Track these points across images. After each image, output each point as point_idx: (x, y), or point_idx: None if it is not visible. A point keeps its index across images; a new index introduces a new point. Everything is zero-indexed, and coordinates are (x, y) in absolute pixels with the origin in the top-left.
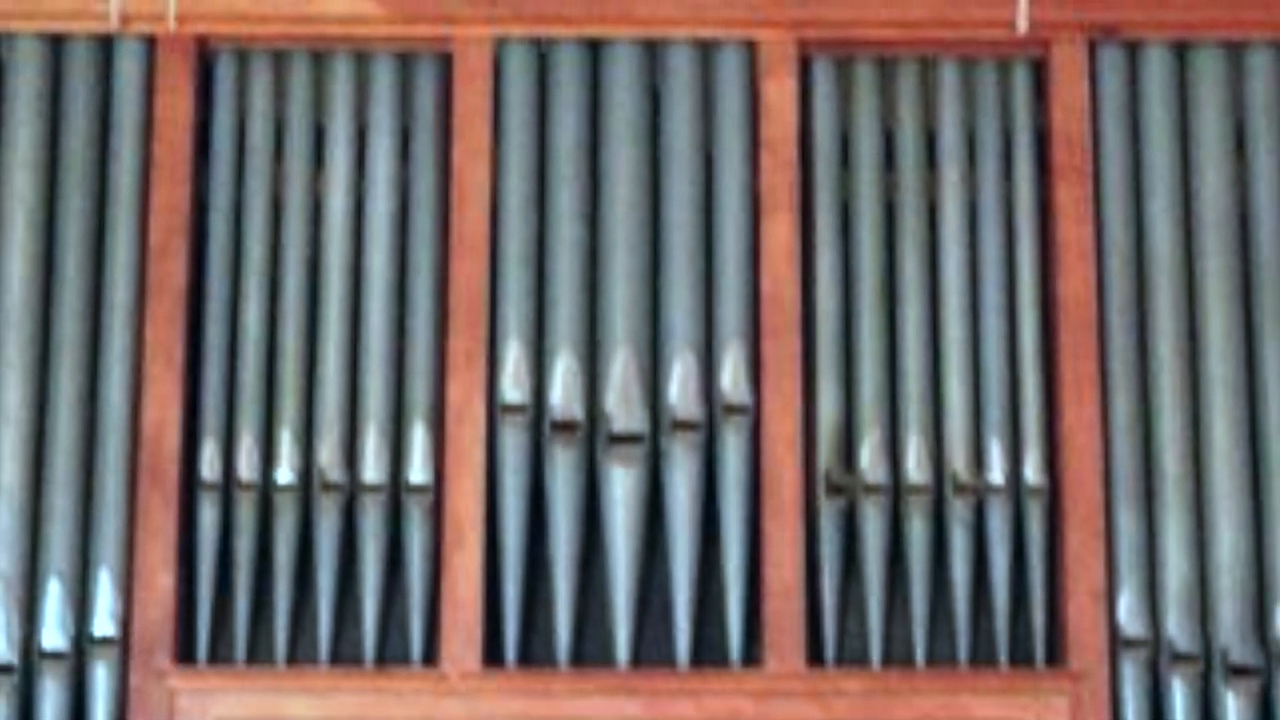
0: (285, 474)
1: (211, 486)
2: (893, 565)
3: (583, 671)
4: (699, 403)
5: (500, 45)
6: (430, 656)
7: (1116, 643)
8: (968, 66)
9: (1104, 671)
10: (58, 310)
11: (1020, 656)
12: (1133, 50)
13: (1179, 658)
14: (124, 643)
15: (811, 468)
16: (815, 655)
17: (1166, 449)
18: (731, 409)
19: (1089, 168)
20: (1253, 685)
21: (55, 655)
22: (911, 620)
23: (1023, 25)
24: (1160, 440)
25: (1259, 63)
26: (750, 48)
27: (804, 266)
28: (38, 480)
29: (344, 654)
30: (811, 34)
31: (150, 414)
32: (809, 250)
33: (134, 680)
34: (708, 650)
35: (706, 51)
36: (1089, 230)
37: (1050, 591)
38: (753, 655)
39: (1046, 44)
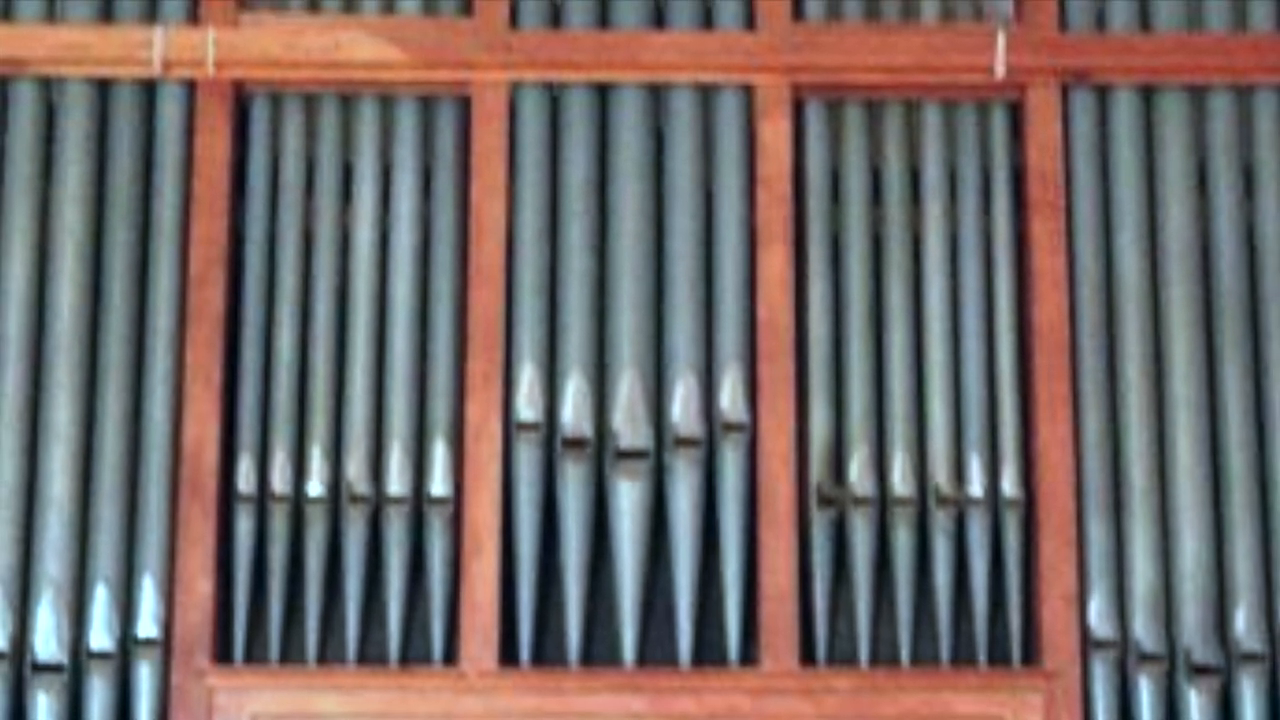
0: (316, 487)
1: (247, 499)
2: (880, 572)
3: (592, 670)
4: (700, 421)
5: (515, 89)
6: (450, 656)
7: (1087, 644)
8: (949, 109)
9: (1076, 670)
10: (104, 335)
11: (998, 656)
12: (1102, 94)
13: (1145, 658)
14: (166, 644)
15: (804, 481)
16: (808, 655)
17: (1134, 464)
18: (730, 427)
19: (1062, 203)
20: (1214, 684)
21: (102, 655)
22: (897, 623)
23: (1000, 71)
24: (1128, 455)
25: (1220, 105)
26: (747, 92)
27: (797, 295)
28: (86, 493)
29: (370, 654)
30: (804, 79)
31: (190, 431)
32: (802, 279)
33: (175, 679)
34: (708, 650)
35: (707, 95)
36: (1062, 261)
37: (1026, 596)
38: (750, 655)
39: (1022, 88)
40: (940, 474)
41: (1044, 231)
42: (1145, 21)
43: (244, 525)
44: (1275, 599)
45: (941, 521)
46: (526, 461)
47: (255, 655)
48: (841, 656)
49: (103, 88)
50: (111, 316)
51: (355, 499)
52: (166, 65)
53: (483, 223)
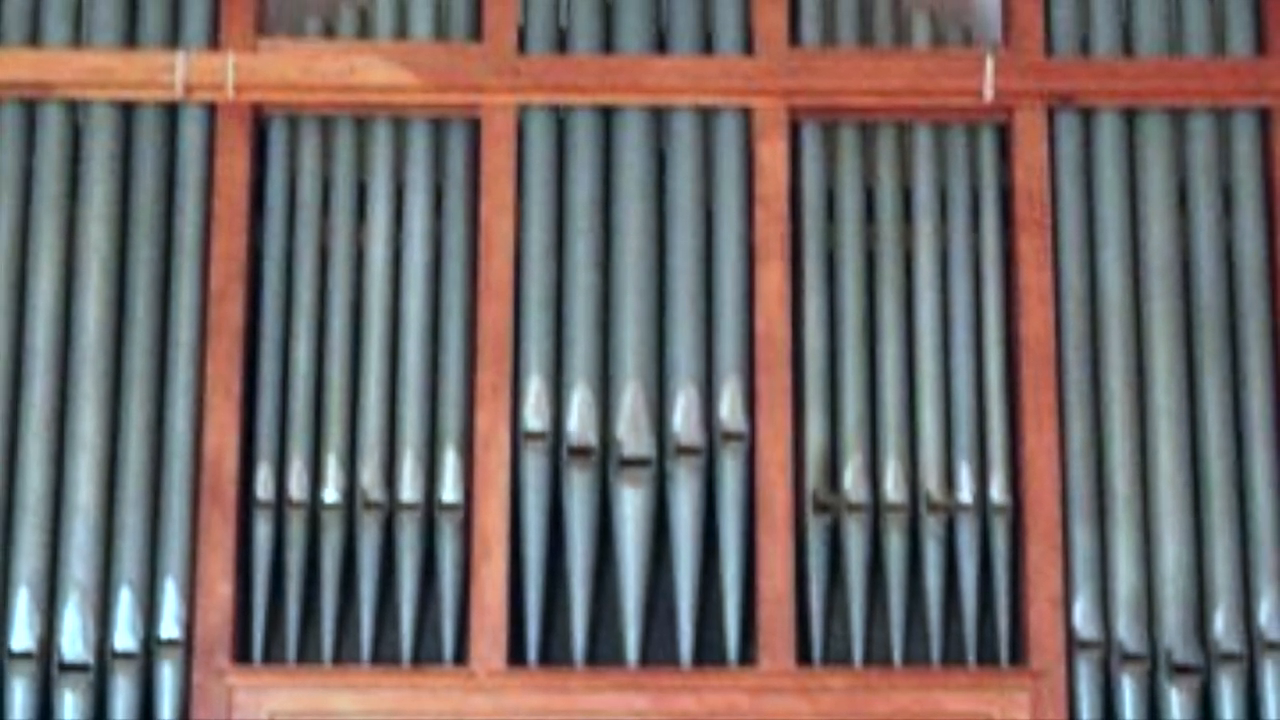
0: (331, 494)
1: (265, 505)
2: (873, 575)
3: (596, 670)
4: (700, 430)
5: (523, 112)
6: (460, 657)
7: (1072, 644)
8: (940, 131)
9: (1061, 670)
10: (128, 348)
11: (987, 657)
12: (1087, 116)
13: (1128, 658)
14: (187, 644)
15: (800, 489)
16: (804, 655)
17: (1117, 471)
18: (729, 436)
19: (1048, 221)
20: (1194, 683)
21: (126, 656)
22: (890, 624)
23: (989, 94)
24: (1112, 463)
25: (1199, 127)
26: (746, 114)
27: (794, 309)
28: (110, 500)
29: (384, 654)
30: (801, 102)
31: (211, 440)
32: (798, 294)
33: (196, 678)
34: (708, 651)
35: (707, 117)
36: (1048, 276)
37: (1013, 598)
38: (748, 655)
39: (1010, 111)
40: (931, 481)
41: (1030, 248)
42: (1128, 46)
43: (262, 530)
44: (1253, 601)
45: (932, 527)
46: (534, 469)
47: (273, 655)
48: (836, 656)
49: (126, 110)
50: (135, 330)
51: (369, 505)
52: (188, 89)
53: (492, 240)
